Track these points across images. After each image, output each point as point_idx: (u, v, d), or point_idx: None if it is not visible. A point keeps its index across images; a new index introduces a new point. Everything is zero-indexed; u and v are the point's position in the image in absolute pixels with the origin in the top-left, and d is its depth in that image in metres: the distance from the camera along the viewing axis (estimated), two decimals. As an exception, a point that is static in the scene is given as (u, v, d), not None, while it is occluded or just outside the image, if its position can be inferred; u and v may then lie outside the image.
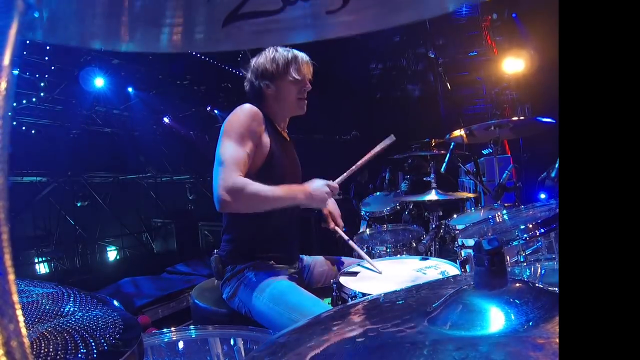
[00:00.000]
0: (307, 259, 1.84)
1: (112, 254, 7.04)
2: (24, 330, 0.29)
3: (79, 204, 6.27)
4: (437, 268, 1.55)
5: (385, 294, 0.71)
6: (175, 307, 3.60)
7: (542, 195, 2.38)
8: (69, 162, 5.89)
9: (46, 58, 4.98)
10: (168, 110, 6.92)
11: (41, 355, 0.49)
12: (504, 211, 1.75)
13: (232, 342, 1.08)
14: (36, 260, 5.76)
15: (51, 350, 0.50)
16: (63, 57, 5.07)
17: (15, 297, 0.29)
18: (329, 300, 1.52)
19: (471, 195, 2.79)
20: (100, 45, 0.55)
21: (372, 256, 2.17)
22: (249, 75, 1.68)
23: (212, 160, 1.59)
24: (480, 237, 1.49)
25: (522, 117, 2.88)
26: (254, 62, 1.65)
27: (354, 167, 1.71)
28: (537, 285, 0.54)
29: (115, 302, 0.70)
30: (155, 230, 7.30)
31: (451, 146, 2.53)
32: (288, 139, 1.77)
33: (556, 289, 0.52)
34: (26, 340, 0.29)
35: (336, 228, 1.84)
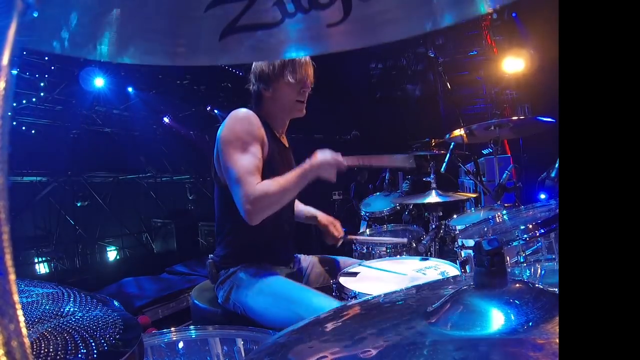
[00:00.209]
0: (305, 258, 1.84)
1: (112, 254, 7.04)
2: (24, 330, 0.29)
3: (79, 204, 6.27)
4: (437, 268, 1.55)
5: (385, 294, 0.71)
6: (175, 307, 3.60)
7: (542, 196, 2.38)
8: (69, 162, 5.89)
9: (46, 58, 4.98)
10: (168, 110, 6.92)
11: (41, 355, 0.49)
12: (504, 211, 1.75)
13: (234, 343, 1.08)
14: (36, 260, 5.76)
15: (51, 350, 0.50)
16: (63, 57, 5.07)
17: (15, 297, 0.29)
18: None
19: (471, 195, 2.79)
20: (101, 58, 0.54)
21: (371, 257, 2.17)
22: (250, 77, 1.66)
23: (212, 160, 1.58)
24: (480, 237, 1.49)
25: (522, 117, 2.88)
26: (254, 64, 1.63)
27: (366, 159, 1.67)
28: (537, 285, 0.54)
29: (115, 302, 0.70)
30: (155, 230, 7.29)
31: (451, 146, 2.53)
32: (287, 145, 1.74)
33: (556, 289, 0.52)
34: (26, 340, 0.29)
35: (347, 236, 1.82)
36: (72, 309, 0.64)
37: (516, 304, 0.48)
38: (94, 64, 5.24)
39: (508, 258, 1.40)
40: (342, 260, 1.87)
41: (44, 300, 0.66)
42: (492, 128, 2.28)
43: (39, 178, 5.80)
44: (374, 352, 0.49)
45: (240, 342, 1.08)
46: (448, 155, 2.53)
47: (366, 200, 3.27)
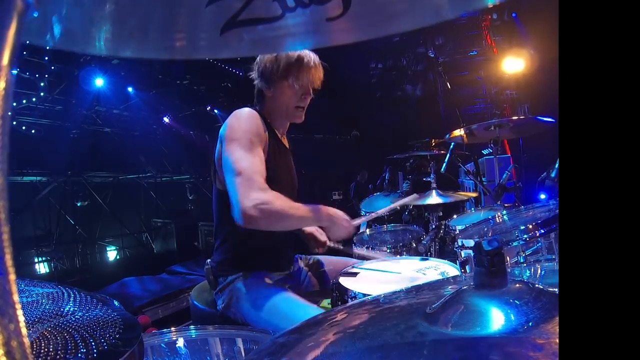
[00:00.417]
0: (305, 259, 1.83)
1: (112, 254, 7.04)
2: (24, 330, 0.29)
3: (79, 204, 6.28)
4: (437, 268, 1.55)
5: (385, 295, 0.71)
6: (175, 307, 3.60)
7: (542, 196, 2.38)
8: (69, 162, 5.89)
9: (46, 58, 4.98)
10: (168, 110, 6.93)
11: (41, 355, 0.49)
12: (504, 211, 1.75)
13: (234, 343, 1.08)
14: (36, 260, 5.77)
15: (51, 350, 0.50)
16: (63, 57, 5.08)
17: (15, 297, 0.29)
18: (328, 300, 1.52)
19: (471, 195, 2.79)
20: (100, 52, 0.54)
21: (372, 257, 2.17)
22: (255, 71, 1.57)
23: (212, 161, 1.56)
24: (480, 237, 1.49)
25: (522, 117, 2.88)
26: (259, 56, 1.54)
27: (373, 214, 1.66)
28: (537, 285, 0.54)
29: (115, 302, 0.70)
30: (155, 230, 7.30)
31: (451, 146, 2.53)
32: (287, 146, 1.68)
33: (556, 289, 0.52)
34: (26, 340, 0.29)
35: (329, 243, 1.73)
36: (72, 309, 0.64)
37: (516, 304, 0.48)
38: (94, 63, 5.24)
39: (508, 258, 1.40)
40: (342, 260, 1.86)
41: (44, 300, 0.66)
42: (492, 128, 2.28)
43: (39, 178, 5.81)
44: (373, 352, 0.49)
45: (240, 342, 1.08)
46: (448, 155, 2.53)
47: (366, 200, 3.27)
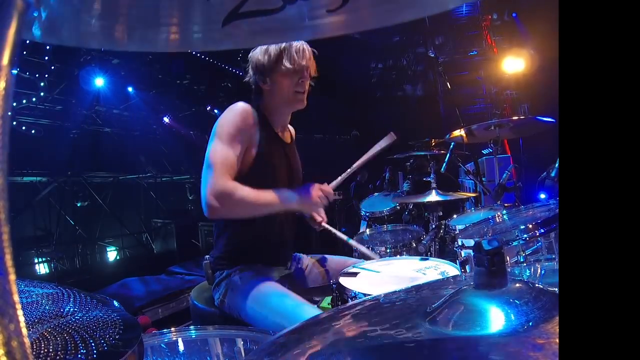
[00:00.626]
0: (305, 258, 1.83)
1: (112, 254, 7.04)
2: (24, 330, 0.29)
3: (79, 204, 6.28)
4: (437, 268, 1.55)
5: (385, 294, 0.71)
6: (175, 307, 3.60)
7: (542, 195, 2.38)
8: (69, 162, 5.89)
9: (46, 58, 4.98)
10: (168, 110, 6.93)
11: (41, 355, 0.49)
12: (504, 211, 1.75)
13: (234, 343, 1.08)
14: (36, 261, 5.77)
15: (51, 350, 0.50)
16: (63, 57, 5.08)
17: (15, 297, 0.29)
18: (329, 300, 1.52)
19: (471, 195, 2.79)
20: (99, 45, 0.55)
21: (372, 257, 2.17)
22: (249, 70, 1.60)
23: None
24: (480, 237, 1.49)
25: (522, 117, 2.88)
26: (250, 55, 1.57)
27: (349, 169, 1.66)
28: (537, 285, 0.54)
29: (115, 302, 0.70)
30: (155, 230, 7.30)
31: (451, 146, 2.53)
32: (289, 140, 1.70)
33: (556, 289, 0.52)
34: (26, 340, 0.29)
35: (325, 225, 1.76)
36: (72, 309, 0.64)
37: (516, 304, 0.48)
38: (94, 63, 5.24)
39: (508, 258, 1.40)
40: (342, 260, 1.86)
41: (44, 301, 0.66)
42: (492, 128, 2.28)
43: (39, 178, 5.81)
44: (373, 352, 0.49)
45: (240, 342, 1.08)
46: (448, 155, 2.53)
47: (366, 200, 3.27)
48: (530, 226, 1.25)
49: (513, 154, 4.54)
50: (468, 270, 1.35)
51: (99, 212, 6.56)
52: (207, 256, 1.63)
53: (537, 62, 4.86)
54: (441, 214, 2.51)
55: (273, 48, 1.51)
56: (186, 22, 0.56)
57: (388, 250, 2.20)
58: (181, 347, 1.07)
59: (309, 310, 1.33)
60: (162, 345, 1.03)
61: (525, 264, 1.37)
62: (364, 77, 7.19)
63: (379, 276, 1.54)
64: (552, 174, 1.76)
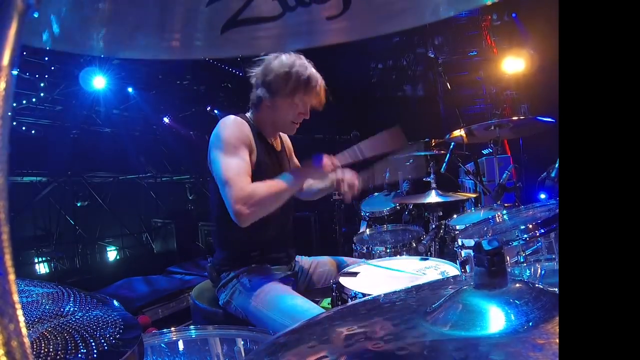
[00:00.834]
0: (306, 259, 1.84)
1: (112, 254, 7.04)
2: (24, 330, 0.29)
3: (79, 204, 6.27)
4: (437, 268, 1.55)
5: (385, 294, 0.71)
6: (175, 307, 3.60)
7: (542, 195, 2.38)
8: (69, 162, 5.88)
9: (46, 58, 4.98)
10: (168, 110, 6.92)
11: (41, 355, 0.49)
12: (504, 211, 1.75)
13: (234, 343, 1.08)
14: (36, 260, 5.76)
15: (51, 350, 0.50)
16: (63, 57, 5.07)
17: (15, 297, 0.29)
18: (329, 300, 1.52)
19: (471, 195, 2.79)
20: (104, 53, 0.55)
21: (371, 256, 2.17)
22: (256, 75, 1.57)
23: (207, 164, 1.58)
24: (480, 237, 1.49)
25: (522, 117, 2.88)
26: (266, 64, 1.53)
27: (356, 149, 1.60)
28: (537, 285, 0.54)
29: (115, 302, 0.70)
30: (155, 230, 7.29)
31: (451, 146, 2.53)
32: (279, 148, 1.72)
33: (556, 289, 0.52)
34: (26, 340, 0.29)
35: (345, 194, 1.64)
36: (72, 309, 0.64)
37: (516, 304, 0.48)
38: (94, 64, 5.24)
39: (508, 258, 1.40)
40: (345, 259, 1.87)
41: (44, 300, 0.66)
42: (492, 128, 2.28)
43: (39, 178, 5.80)
44: (373, 352, 0.49)
45: (240, 342, 1.08)
46: (448, 155, 2.53)
47: (366, 200, 3.27)
48: (530, 226, 1.25)
49: (513, 154, 4.54)
50: (468, 270, 1.35)
51: (99, 212, 6.55)
52: (210, 258, 1.63)
53: (537, 62, 4.86)
54: (441, 214, 2.51)
55: (294, 77, 1.49)
56: (186, 29, 0.56)
57: (388, 250, 2.20)
58: (181, 347, 1.07)
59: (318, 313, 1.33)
60: (162, 345, 1.03)
61: (525, 264, 1.38)
62: (364, 77, 7.18)
63: (379, 276, 1.54)
64: (552, 174, 1.76)
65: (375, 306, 0.66)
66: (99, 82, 5.36)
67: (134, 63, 5.74)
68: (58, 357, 0.49)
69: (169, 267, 4.56)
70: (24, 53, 4.56)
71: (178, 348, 1.06)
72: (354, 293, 1.34)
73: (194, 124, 7.03)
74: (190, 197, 8.26)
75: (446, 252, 2.31)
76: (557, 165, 1.71)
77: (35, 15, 0.35)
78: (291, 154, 1.85)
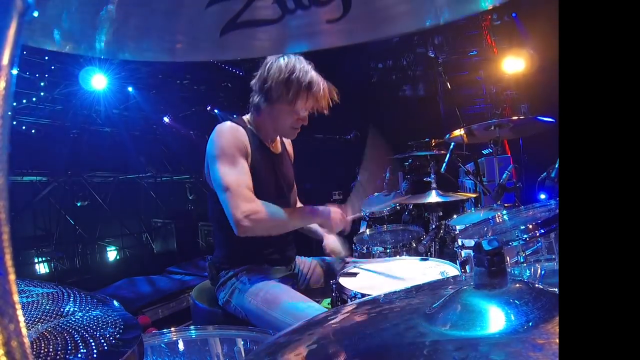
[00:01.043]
0: (306, 260, 1.84)
1: (112, 254, 7.04)
2: (24, 330, 0.29)
3: (79, 204, 6.27)
4: (437, 268, 1.55)
5: (385, 294, 0.71)
6: (175, 307, 3.60)
7: (542, 196, 2.38)
8: (69, 162, 5.88)
9: (46, 58, 4.98)
10: (168, 110, 6.92)
11: (41, 355, 0.49)
12: (504, 211, 1.75)
13: (234, 343, 1.08)
14: (36, 260, 5.76)
15: (51, 350, 0.50)
16: (63, 57, 5.07)
17: (15, 297, 0.29)
18: (328, 300, 1.52)
19: (471, 195, 2.79)
20: (101, 54, 0.55)
21: (371, 257, 2.17)
22: (255, 80, 1.55)
23: (204, 169, 1.58)
24: (480, 237, 1.49)
25: (522, 117, 2.88)
26: (266, 69, 1.49)
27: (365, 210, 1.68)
28: (537, 285, 0.54)
29: (115, 302, 0.70)
30: (155, 230, 7.29)
31: (451, 146, 2.53)
32: (278, 150, 1.70)
33: (556, 289, 0.52)
34: (26, 340, 0.29)
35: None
36: (72, 309, 0.64)
37: (516, 304, 0.48)
38: (94, 63, 5.24)
39: (508, 258, 1.40)
40: (345, 260, 1.86)
41: (44, 300, 0.66)
42: (492, 128, 2.28)
43: (39, 178, 5.80)
44: (373, 351, 0.49)
45: (240, 342, 1.08)
46: (448, 155, 2.53)
47: (366, 200, 3.26)
48: (530, 226, 1.25)
49: (513, 154, 4.54)
50: (468, 271, 1.35)
51: (99, 212, 6.55)
52: (209, 256, 1.63)
53: (537, 62, 4.85)
54: (441, 214, 2.51)
55: (295, 85, 1.45)
56: (185, 32, 0.56)
57: (388, 251, 2.20)
58: (181, 347, 1.07)
59: (319, 311, 1.33)
60: (162, 345, 1.03)
61: (525, 264, 1.38)
62: (364, 77, 7.18)
63: (379, 276, 1.54)
64: (552, 175, 1.76)
65: (375, 306, 0.66)
66: (99, 81, 5.36)
67: (134, 63, 5.73)
68: (58, 357, 0.49)
69: (169, 267, 4.56)
70: (24, 52, 4.56)
71: (178, 348, 1.06)
72: (354, 293, 1.34)
73: (194, 123, 7.03)
74: (190, 197, 8.26)
75: (446, 252, 2.31)
76: (557, 165, 1.71)
77: (35, 14, 0.35)
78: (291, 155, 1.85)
